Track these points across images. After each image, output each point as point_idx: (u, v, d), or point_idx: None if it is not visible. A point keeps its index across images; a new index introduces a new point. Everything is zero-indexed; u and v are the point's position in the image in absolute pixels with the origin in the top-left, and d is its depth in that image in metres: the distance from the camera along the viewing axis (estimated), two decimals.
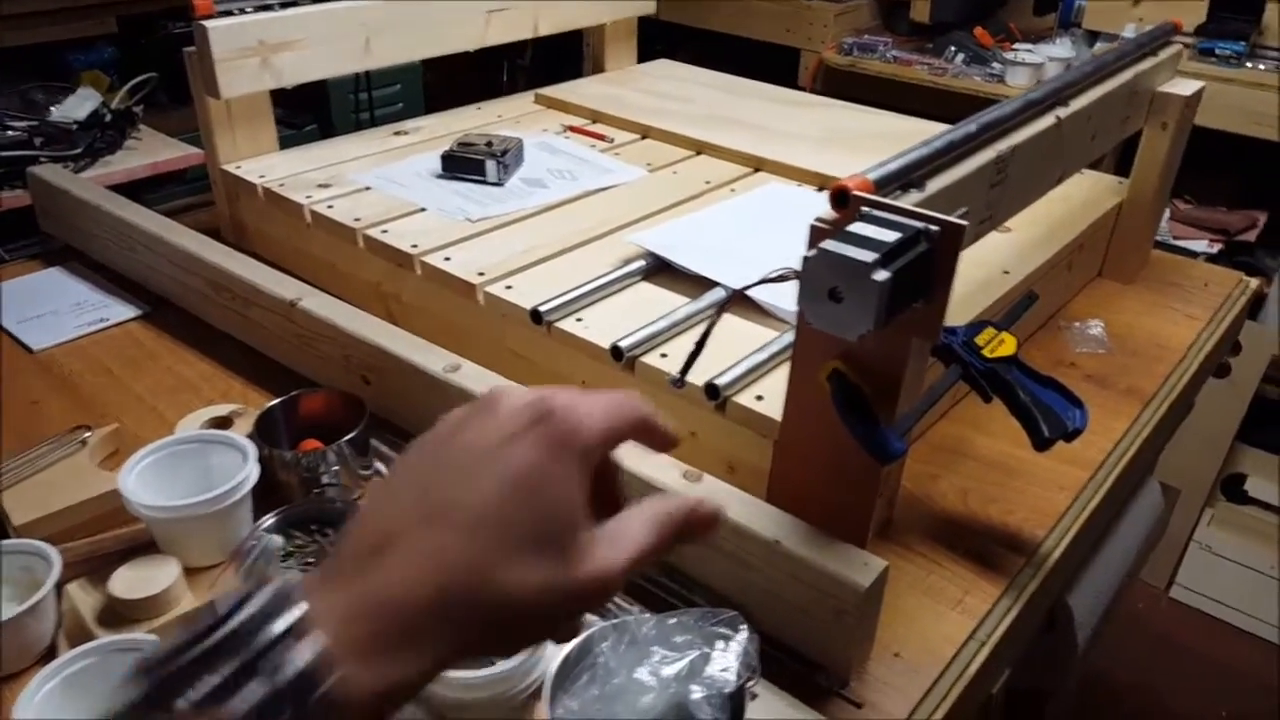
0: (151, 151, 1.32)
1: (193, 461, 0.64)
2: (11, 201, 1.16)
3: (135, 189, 1.26)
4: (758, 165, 1.07)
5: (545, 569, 0.31)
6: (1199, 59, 1.61)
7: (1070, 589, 0.83)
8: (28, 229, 1.07)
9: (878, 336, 0.53)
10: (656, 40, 2.60)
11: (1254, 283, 1.06)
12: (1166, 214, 1.69)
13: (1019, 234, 0.92)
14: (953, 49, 1.89)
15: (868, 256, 0.46)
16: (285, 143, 1.08)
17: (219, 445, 0.65)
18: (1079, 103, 0.76)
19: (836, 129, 1.15)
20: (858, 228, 0.49)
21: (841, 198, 0.52)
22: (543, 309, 0.73)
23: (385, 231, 0.88)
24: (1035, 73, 1.75)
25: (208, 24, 0.93)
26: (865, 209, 0.51)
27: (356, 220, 0.90)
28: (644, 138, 1.16)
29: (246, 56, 0.97)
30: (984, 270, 0.84)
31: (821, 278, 0.47)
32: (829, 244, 0.47)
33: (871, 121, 1.19)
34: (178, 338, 0.89)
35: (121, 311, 0.91)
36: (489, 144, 1.02)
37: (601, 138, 1.15)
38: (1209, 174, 1.71)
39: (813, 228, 0.53)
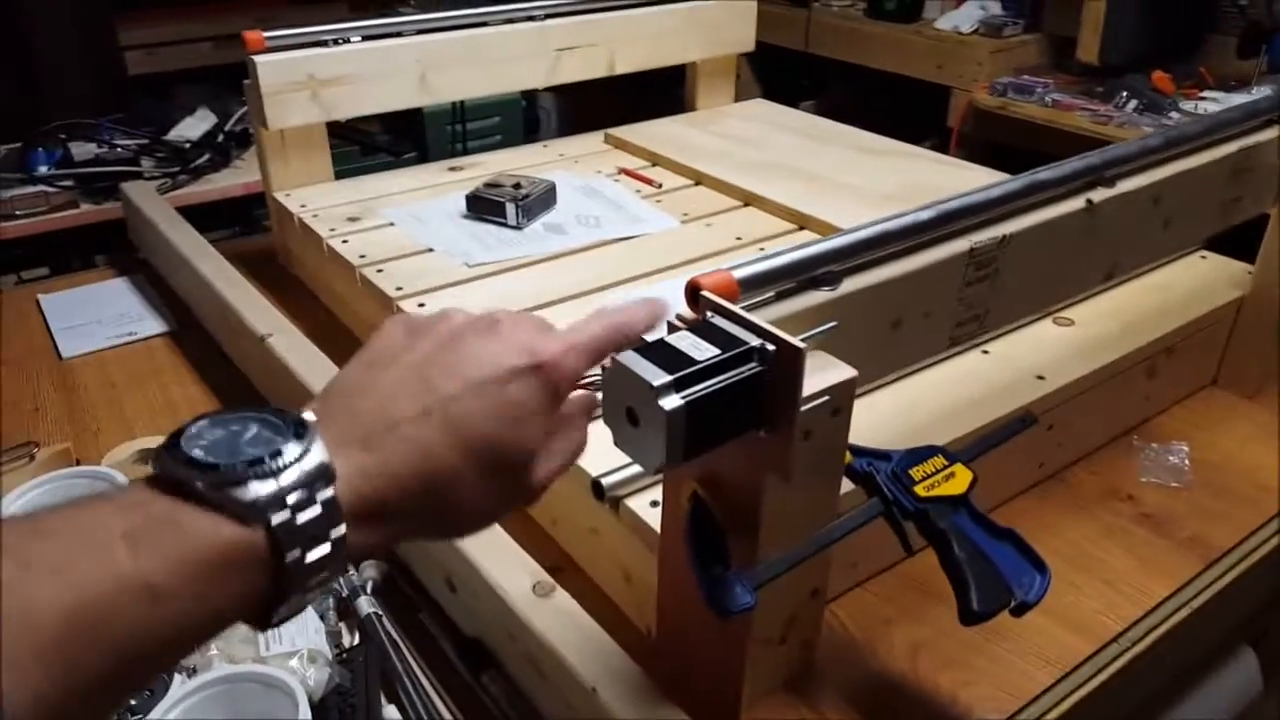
0: (251, 172, 1.41)
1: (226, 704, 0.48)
2: (110, 213, 1.27)
3: (239, 207, 1.34)
4: (802, 223, 0.96)
5: (501, 492, 0.36)
6: None
7: None
8: (128, 240, 1.16)
9: (731, 464, 0.44)
10: (804, 75, 2.51)
11: None
12: None
13: (1083, 328, 0.76)
14: (1125, 94, 1.66)
15: (658, 378, 0.37)
16: (387, 170, 1.12)
17: (254, 685, 0.48)
18: (1134, 182, 0.62)
19: (911, 185, 1.02)
20: (678, 338, 0.40)
21: (693, 295, 0.43)
22: None
23: (381, 271, 0.86)
24: None
25: (258, 59, 0.96)
26: (710, 314, 0.42)
27: (362, 257, 0.89)
28: (697, 184, 1.09)
29: (296, 90, 0.99)
30: (1010, 370, 0.70)
31: (617, 395, 0.39)
32: (626, 356, 0.39)
33: (956, 177, 1.05)
34: (190, 359, 0.92)
35: (151, 327, 0.96)
36: (517, 185, 0.99)
37: (650, 182, 1.09)
38: None
39: (669, 326, 0.44)
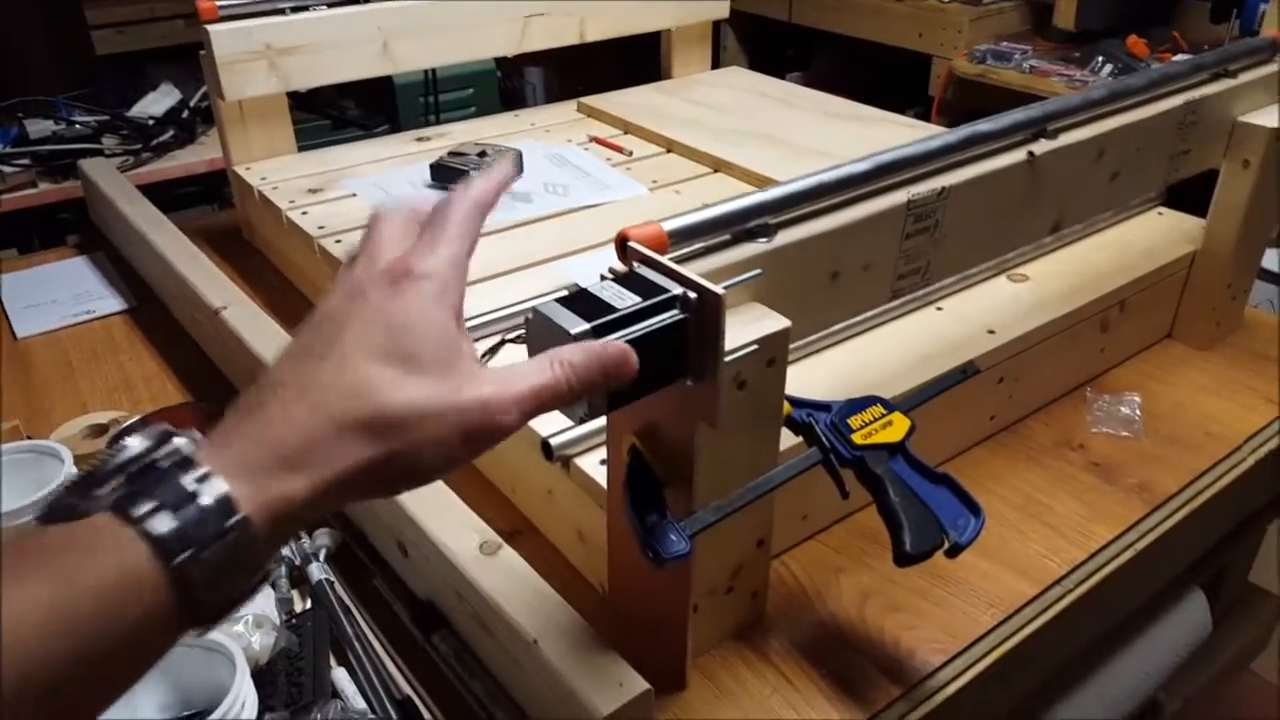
0: (217, 148, 1.39)
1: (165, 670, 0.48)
2: (74, 192, 1.26)
3: (212, 184, 1.34)
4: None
5: (425, 386, 0.33)
6: None
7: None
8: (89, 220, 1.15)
9: (666, 416, 0.45)
10: (790, 46, 2.49)
11: None
12: None
13: (1039, 284, 0.77)
14: (1100, 59, 1.66)
15: (577, 326, 0.38)
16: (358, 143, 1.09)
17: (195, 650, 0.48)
18: (1077, 134, 0.62)
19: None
20: (601, 288, 0.41)
21: (622, 246, 0.44)
22: None
23: (339, 242, 0.86)
24: None
25: (212, 28, 0.95)
26: (638, 265, 0.43)
27: (321, 228, 0.89)
28: (668, 151, 1.09)
29: (252, 60, 0.99)
30: (963, 326, 0.70)
31: (541, 346, 0.40)
32: (546, 306, 0.39)
33: None
34: (148, 336, 0.92)
35: (110, 305, 0.96)
36: (482, 153, 0.98)
37: (621, 150, 1.09)
38: None
39: (601, 277, 0.45)
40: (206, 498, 0.29)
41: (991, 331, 0.70)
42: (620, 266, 0.44)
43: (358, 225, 0.89)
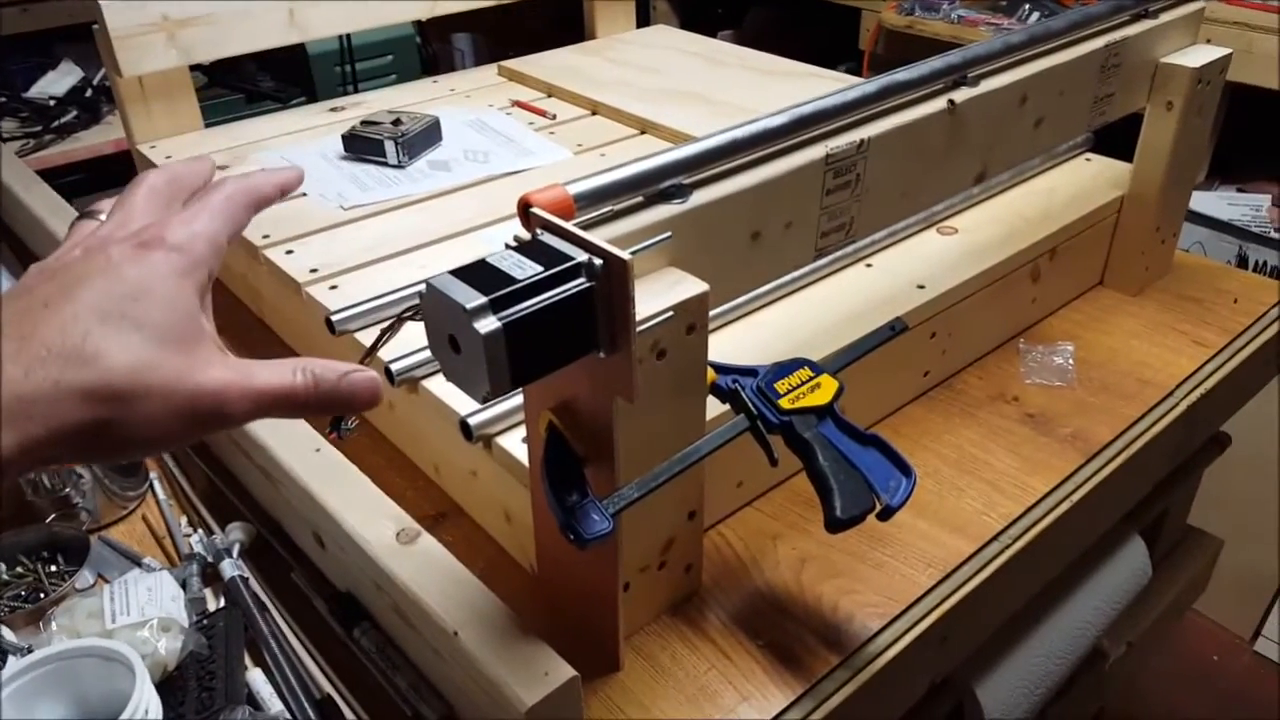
0: (121, 128, 1.32)
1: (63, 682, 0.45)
2: None
3: (119, 167, 1.26)
4: None
5: (157, 359, 0.31)
6: None
7: (979, 679, 0.68)
8: None
9: (581, 390, 0.43)
10: (719, 4, 2.45)
11: None
12: (1268, 200, 1.42)
13: (967, 236, 0.76)
14: (1027, 7, 1.65)
15: (473, 299, 0.35)
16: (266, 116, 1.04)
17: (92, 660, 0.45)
18: (997, 81, 0.60)
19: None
20: (500, 257, 0.38)
21: (524, 213, 0.41)
22: (336, 318, 0.65)
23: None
24: None
25: (103, 2, 0.89)
26: (540, 231, 0.40)
27: None
28: (593, 114, 1.05)
29: (150, 33, 0.93)
30: (892, 282, 0.69)
31: (438, 323, 0.37)
32: (440, 279, 0.36)
33: None
34: None
35: None
36: (396, 122, 0.94)
37: (544, 114, 1.05)
38: None
39: (504, 246, 0.42)
40: None
41: (921, 286, 0.69)
42: (525, 234, 0.42)
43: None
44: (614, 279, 0.37)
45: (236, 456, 0.64)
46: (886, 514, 0.47)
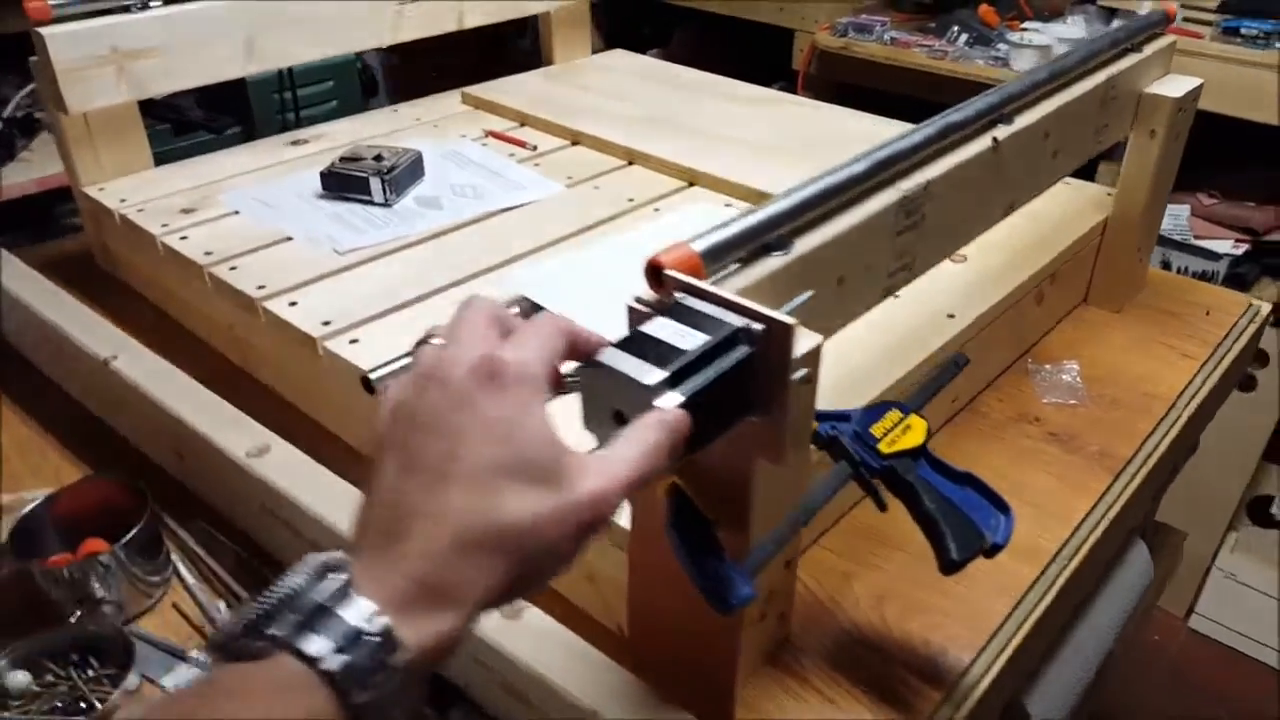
0: (43, 165, 1.22)
1: None
2: None
3: (35, 206, 1.16)
4: (692, 179, 0.93)
5: (541, 495, 0.32)
6: (1223, 39, 1.43)
7: (1028, 691, 0.70)
8: None
9: (715, 452, 0.41)
10: (645, 23, 2.46)
11: (1265, 307, 0.91)
12: (1187, 210, 1.52)
13: (975, 263, 0.78)
14: (956, 29, 1.72)
15: (651, 375, 0.33)
16: (206, 149, 1.00)
17: None
18: (1029, 117, 0.63)
19: (788, 134, 1.01)
20: (657, 326, 0.36)
21: (655, 275, 0.40)
22: (375, 375, 0.61)
23: (234, 269, 0.76)
24: (1042, 55, 1.58)
25: (46, 31, 0.82)
26: (680, 295, 0.39)
27: (208, 254, 0.79)
28: (574, 144, 1.04)
29: (98, 66, 0.86)
30: (924, 313, 0.70)
31: (601, 396, 0.35)
32: (607, 355, 0.35)
33: (831, 122, 1.05)
34: (8, 390, 0.78)
35: None
36: (378, 157, 0.90)
37: (523, 144, 1.03)
38: (1235, 166, 1.54)
39: (630, 310, 0.40)
40: (374, 637, 0.30)
41: (951, 316, 0.70)
42: (651, 296, 0.40)
43: (254, 247, 0.79)
44: (775, 344, 0.36)
45: (275, 529, 0.59)
46: (993, 552, 0.48)
